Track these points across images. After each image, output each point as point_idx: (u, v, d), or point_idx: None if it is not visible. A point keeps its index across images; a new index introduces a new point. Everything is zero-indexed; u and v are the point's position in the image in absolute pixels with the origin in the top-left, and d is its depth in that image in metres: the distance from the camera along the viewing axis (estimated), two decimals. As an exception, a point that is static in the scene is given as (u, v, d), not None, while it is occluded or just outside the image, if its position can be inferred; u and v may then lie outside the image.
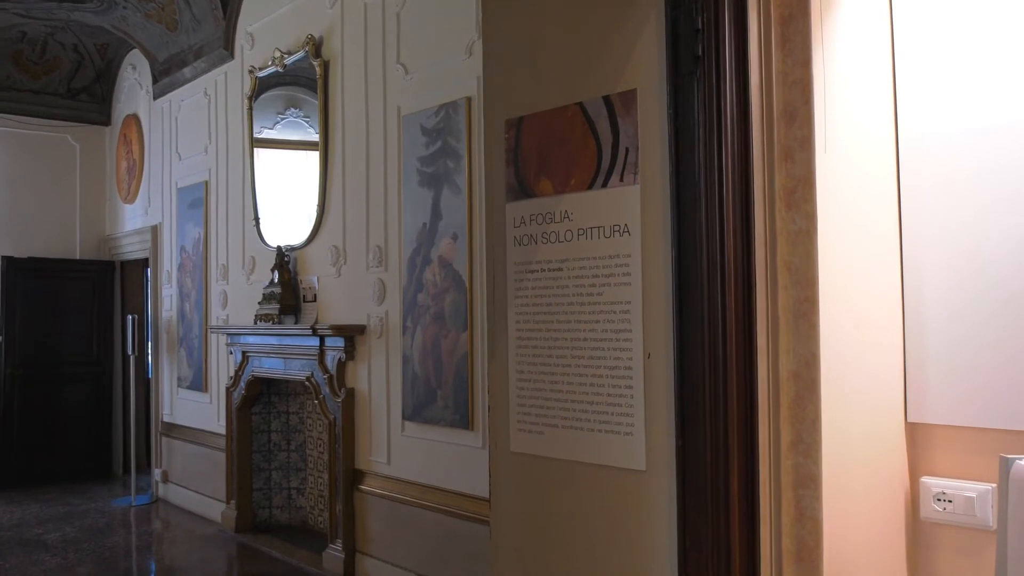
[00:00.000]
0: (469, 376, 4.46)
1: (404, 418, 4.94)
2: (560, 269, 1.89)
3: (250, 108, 6.47)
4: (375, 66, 5.21)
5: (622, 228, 1.79)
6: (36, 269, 8.51)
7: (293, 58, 5.96)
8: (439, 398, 4.66)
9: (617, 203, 1.80)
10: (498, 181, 1.98)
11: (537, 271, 1.92)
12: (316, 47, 5.73)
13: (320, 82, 5.68)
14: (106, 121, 9.22)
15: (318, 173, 5.72)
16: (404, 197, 4.95)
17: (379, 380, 5.16)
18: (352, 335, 5.33)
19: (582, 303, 1.85)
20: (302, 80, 5.99)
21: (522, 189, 1.98)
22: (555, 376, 1.88)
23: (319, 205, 5.73)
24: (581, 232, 1.87)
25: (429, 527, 4.74)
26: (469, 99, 4.50)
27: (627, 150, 1.77)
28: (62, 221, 8.97)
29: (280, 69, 6.10)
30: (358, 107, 5.37)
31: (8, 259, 8.42)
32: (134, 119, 8.58)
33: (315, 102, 5.81)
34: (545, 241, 1.92)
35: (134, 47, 8.28)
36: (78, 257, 9.01)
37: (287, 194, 6.35)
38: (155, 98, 8.07)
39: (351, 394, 5.38)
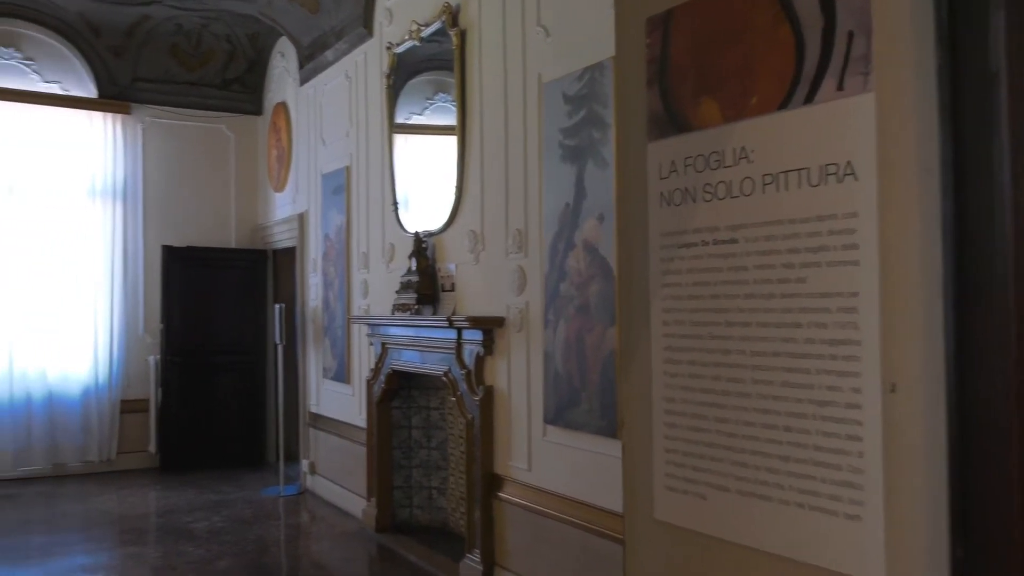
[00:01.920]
0: (616, 377, 3.88)
1: (545, 421, 4.43)
2: (733, 240, 1.26)
3: (388, 86, 6.14)
4: (514, 30, 4.71)
5: (842, 169, 1.11)
6: (193, 258, 8.65)
7: (429, 30, 5.56)
8: (583, 400, 4.11)
9: (833, 127, 1.13)
10: (635, 111, 1.37)
11: (695, 244, 1.30)
12: (453, 16, 5.29)
13: (456, 52, 5.24)
14: (258, 110, 9.26)
15: (455, 151, 5.30)
16: (545, 174, 4.42)
17: (519, 378, 4.68)
18: (491, 328, 4.87)
19: (770, 295, 1.20)
20: (440, 56, 5.60)
21: (672, 120, 1.36)
22: (724, 410, 1.24)
23: (457, 186, 5.31)
24: (768, 180, 1.22)
25: (571, 545, 4.20)
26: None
27: (850, 35, 1.12)
28: (218, 210, 9.09)
29: (417, 43, 5.72)
30: (496, 77, 4.89)
31: (168, 248, 8.59)
32: (283, 107, 8.53)
33: None
34: (709, 197, 1.28)
35: (282, 35, 8.20)
36: (233, 246, 9.11)
37: (427, 175, 6.01)
38: (301, 84, 7.96)
39: (489, 392, 4.92)
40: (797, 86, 1.16)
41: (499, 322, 4.80)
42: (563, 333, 4.25)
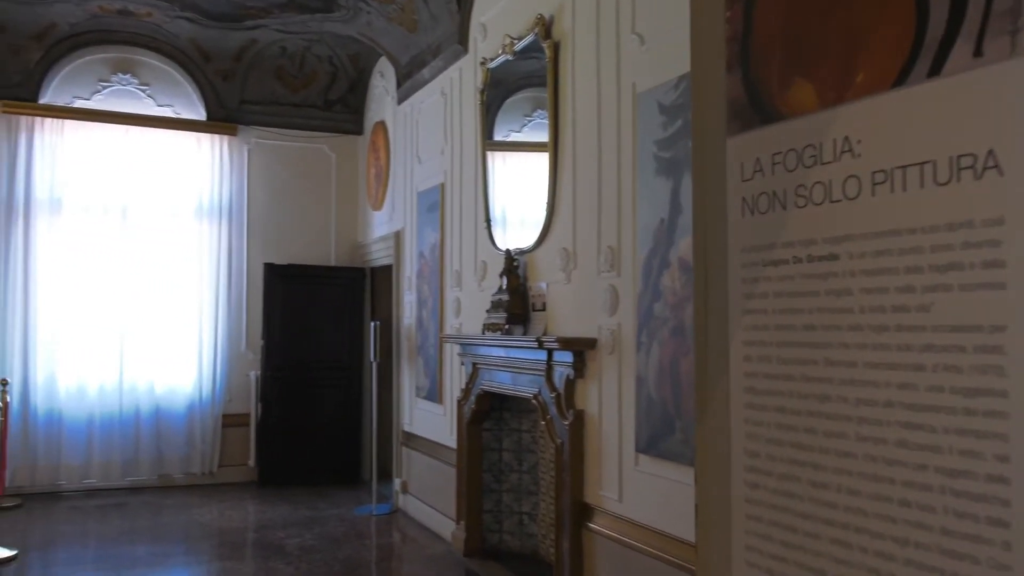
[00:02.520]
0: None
1: (637, 450, 4.18)
2: (834, 257, 1.01)
3: (482, 102, 6.05)
4: (608, 39, 4.52)
5: (981, 161, 0.85)
6: (294, 275, 8.78)
7: (523, 43, 5.44)
8: (678, 430, 3.85)
9: (968, 106, 0.87)
10: (712, 103, 1.14)
11: (786, 262, 1.05)
12: (546, 28, 5.15)
13: (550, 65, 5.10)
14: (358, 130, 9.37)
15: (548, 166, 5.14)
16: (639, 189, 4.20)
17: (610, 403, 4.45)
18: (582, 349, 4.67)
19: (882, 327, 0.94)
20: (537, 72, 5.49)
21: (757, 108, 1.13)
22: (822, 473, 0.99)
23: (548, 202, 5.14)
24: (880, 178, 0.95)
25: (665, 584, 3.93)
26: (716, 65, 3.66)
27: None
28: (318, 229, 9.22)
29: (510, 56, 5.61)
30: (589, 88, 4.71)
31: (269, 265, 8.75)
32: (381, 126, 8.59)
33: None
34: (803, 202, 1.04)
35: (382, 55, 8.27)
36: (333, 264, 9.21)
37: (522, 192, 5.89)
38: (399, 103, 7.99)
39: (580, 417, 4.71)
40: (918, 56, 0.90)
41: (590, 344, 4.59)
42: (656, 356, 4.01)
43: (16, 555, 5.89)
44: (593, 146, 4.66)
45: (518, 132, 6.06)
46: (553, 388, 4.87)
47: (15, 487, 7.71)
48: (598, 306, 4.54)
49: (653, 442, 4.04)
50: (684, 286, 3.81)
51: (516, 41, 5.50)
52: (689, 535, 3.79)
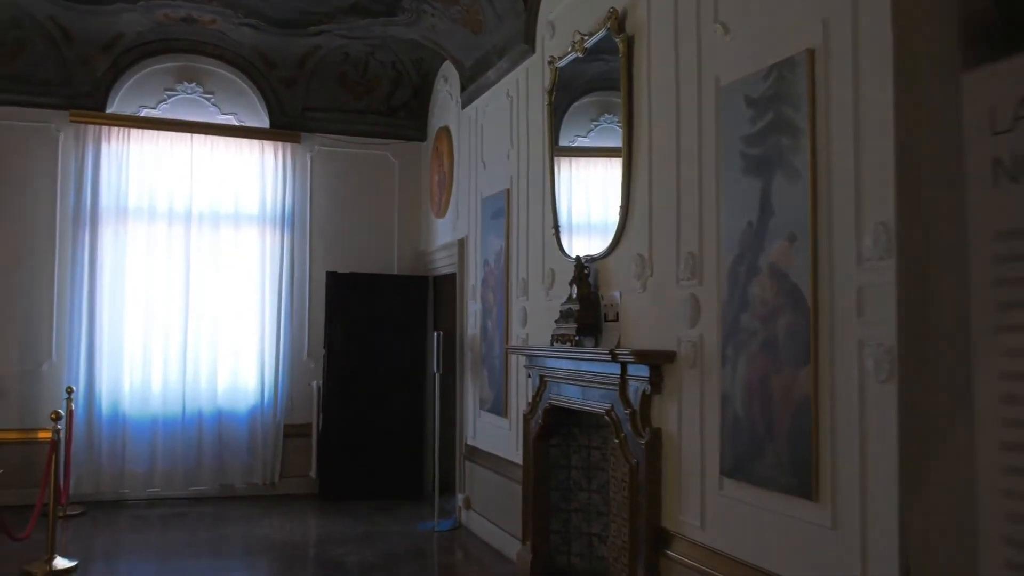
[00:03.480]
0: (813, 428, 3.26)
1: (723, 473, 3.84)
2: None
3: (550, 103, 5.79)
4: (687, 29, 4.21)
5: None
6: (356, 284, 8.63)
7: (593, 39, 5.16)
8: (768, 453, 3.51)
9: None
10: (930, 20, 0.81)
11: None
12: (619, 22, 4.87)
13: (623, 60, 4.81)
14: (422, 137, 9.20)
15: (621, 167, 4.84)
16: (723, 190, 3.88)
17: (691, 421, 4.12)
18: (659, 363, 4.35)
19: None
20: (605, 75, 5.25)
21: (1016, 25, 0.78)
22: None
23: (622, 206, 4.84)
24: None
25: (754, 621, 3.59)
26: (811, 51, 3.32)
27: None
28: (381, 237, 9.07)
29: (580, 54, 5.33)
30: (667, 83, 4.40)
31: (332, 274, 8.62)
32: (445, 132, 8.40)
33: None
34: None
35: (445, 59, 8.08)
36: (395, 272, 9.04)
37: (590, 198, 5.63)
38: (463, 107, 7.78)
39: (657, 435, 4.39)
40: None
41: (669, 357, 4.27)
42: (744, 372, 3.67)
43: (76, 566, 5.80)
44: (671, 145, 4.35)
45: (584, 137, 5.80)
46: (628, 404, 4.56)
47: (80, 495, 7.70)
48: (677, 317, 4.22)
49: (740, 465, 3.70)
50: (776, 295, 3.47)
51: (587, 37, 5.23)
52: (780, 567, 3.44)
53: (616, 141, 5.26)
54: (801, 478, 3.32)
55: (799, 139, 3.38)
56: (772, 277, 3.51)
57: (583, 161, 5.88)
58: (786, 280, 3.42)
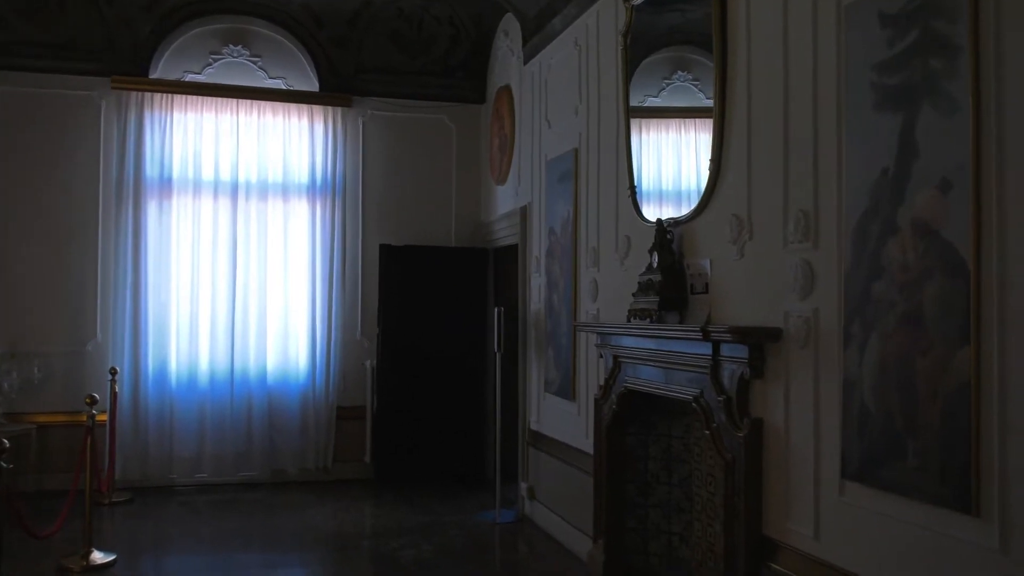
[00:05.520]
0: (973, 424, 2.58)
1: (844, 475, 3.17)
2: None
3: (625, 47, 5.12)
4: (799, -60, 3.50)
5: None
6: (412, 258, 8.10)
7: (678, -33, 4.46)
8: (911, 453, 2.83)
9: None
10: None
11: None
12: (710, -57, 4.15)
13: (715, -13, 4.10)
14: (480, 98, 8.58)
15: (713, 111, 4.15)
16: (847, 131, 3.18)
17: (802, 411, 3.45)
18: (760, 342, 3.68)
19: None
20: (681, 28, 4.67)
21: None
22: None
23: (713, 159, 4.16)
24: None
25: (889, 659, 2.93)
26: (976, -55, 2.60)
27: None
28: (438, 207, 8.50)
29: (660, -11, 4.64)
30: (771, 5, 3.69)
31: (386, 247, 8.10)
32: (506, 91, 7.76)
33: (706, 63, 4.35)
34: None
35: (507, 11, 7.43)
36: (453, 245, 8.48)
37: (662, 161, 5.00)
38: (525, 63, 7.14)
39: (758, 427, 3.73)
40: None
41: (774, 335, 3.60)
42: (876, 353, 2.99)
43: (115, 560, 5.41)
44: (777, 81, 3.64)
45: (655, 97, 5.16)
46: (721, 390, 3.90)
47: (126, 480, 7.36)
48: (784, 287, 3.55)
49: (870, 466, 3.02)
50: (923, 257, 2.78)
51: (669, -33, 4.53)
52: (925, 596, 2.78)
53: (692, 101, 4.71)
54: (956, 486, 2.64)
55: (956, 60, 2.67)
56: (917, 236, 2.81)
57: (654, 123, 5.23)
58: (937, 239, 2.72)
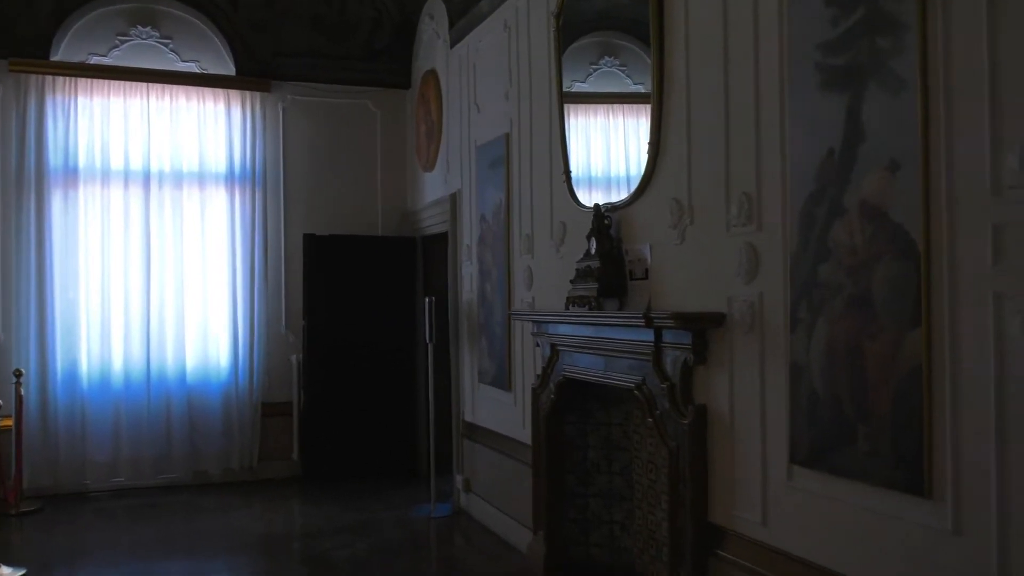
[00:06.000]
0: (925, 406, 2.56)
1: (793, 460, 3.14)
2: None
3: (557, 29, 5.01)
4: (739, -83, 3.43)
5: None
6: (337, 247, 7.85)
7: (612, -54, 4.36)
8: (860, 437, 2.80)
9: None
10: None
11: None
12: (645, -79, 4.06)
13: (652, -34, 4.02)
14: (405, 83, 8.36)
15: (651, 91, 4.07)
16: (791, 111, 3.13)
17: (748, 397, 3.41)
18: (703, 328, 3.62)
19: None
20: (610, 12, 4.66)
21: None
22: None
23: (651, 142, 4.08)
24: None
25: (841, 644, 2.91)
26: (923, -79, 2.56)
27: None
28: (363, 195, 8.26)
29: (593, -33, 4.54)
30: (711, -13, 3.63)
31: (310, 237, 7.83)
32: (432, 76, 7.56)
33: (633, 48, 4.29)
34: None
35: (430, -7, 7.24)
36: (380, 233, 8.25)
37: (591, 147, 4.94)
38: (452, 46, 6.96)
39: (702, 414, 3.68)
40: None
41: (717, 320, 3.55)
42: (824, 337, 2.95)
43: (25, 575, 5.05)
44: (717, 62, 3.58)
45: (582, 83, 5.09)
46: (664, 377, 3.84)
47: (35, 488, 6.93)
48: (728, 271, 3.49)
49: (820, 451, 2.99)
50: (871, 240, 2.74)
51: (603, -55, 4.43)
52: (875, 579, 2.76)
53: (620, 87, 4.63)
54: (908, 469, 2.62)
55: (903, 37, 2.63)
56: (865, 217, 2.77)
57: (582, 108, 5.15)
58: (886, 220, 2.69)
